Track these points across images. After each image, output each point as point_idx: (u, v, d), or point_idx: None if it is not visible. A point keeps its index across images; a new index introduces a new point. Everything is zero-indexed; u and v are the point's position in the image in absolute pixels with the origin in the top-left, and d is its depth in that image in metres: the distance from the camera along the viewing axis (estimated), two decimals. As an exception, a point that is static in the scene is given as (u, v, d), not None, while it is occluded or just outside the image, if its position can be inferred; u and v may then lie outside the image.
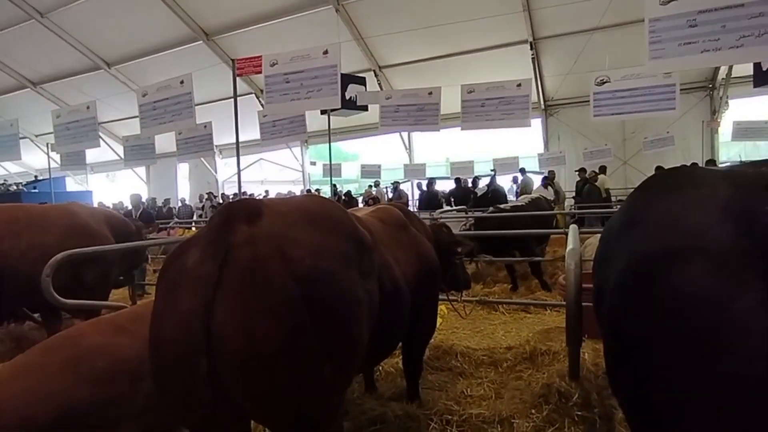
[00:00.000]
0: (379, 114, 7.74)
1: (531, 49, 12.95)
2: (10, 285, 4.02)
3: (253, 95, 15.69)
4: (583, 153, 13.90)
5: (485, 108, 7.02)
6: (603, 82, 5.95)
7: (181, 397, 1.57)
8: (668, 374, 1.26)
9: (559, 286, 4.80)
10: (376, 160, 17.66)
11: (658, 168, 10.86)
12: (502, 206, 7.04)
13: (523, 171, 13.42)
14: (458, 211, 8.86)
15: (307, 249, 1.60)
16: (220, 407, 1.53)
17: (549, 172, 12.33)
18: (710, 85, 13.03)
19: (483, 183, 12.47)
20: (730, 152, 13.85)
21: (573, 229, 3.15)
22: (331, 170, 7.69)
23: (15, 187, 17.23)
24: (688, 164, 10.54)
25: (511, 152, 16.25)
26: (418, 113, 7.27)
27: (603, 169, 11.96)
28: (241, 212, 1.64)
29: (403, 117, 7.38)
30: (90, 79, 16.41)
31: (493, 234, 5.93)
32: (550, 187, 10.51)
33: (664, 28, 3.96)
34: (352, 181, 19.40)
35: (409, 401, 2.91)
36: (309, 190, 17.32)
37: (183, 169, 20.13)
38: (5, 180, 20.00)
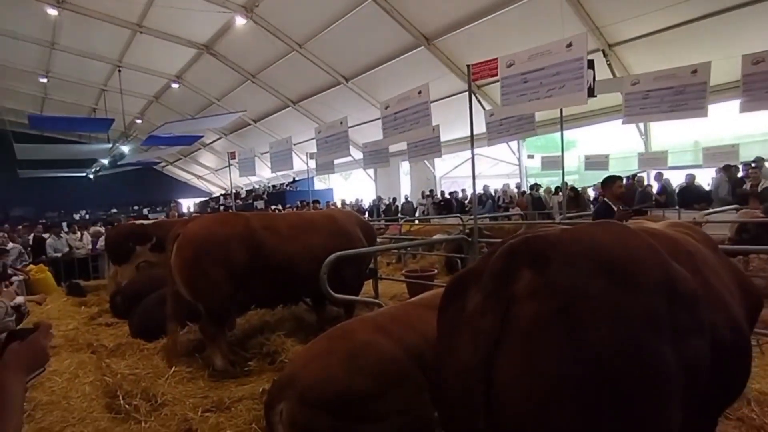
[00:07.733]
0: (623, 102, 6.71)
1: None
2: (295, 278, 5.01)
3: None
4: None
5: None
6: None
7: None
8: None
9: None
10: (599, 148, 15.77)
11: None
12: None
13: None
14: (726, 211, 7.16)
15: (600, 310, 1.38)
16: None
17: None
18: None
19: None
20: None
21: None
22: (563, 165, 7.05)
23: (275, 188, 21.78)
24: None
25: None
26: (676, 97, 5.98)
27: None
28: (525, 256, 1.52)
29: (655, 103, 6.17)
30: (331, 93, 19.20)
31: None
32: None
33: None
34: (572, 173, 17.81)
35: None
36: (518, 186, 16.68)
37: (404, 167, 21.90)
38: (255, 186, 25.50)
